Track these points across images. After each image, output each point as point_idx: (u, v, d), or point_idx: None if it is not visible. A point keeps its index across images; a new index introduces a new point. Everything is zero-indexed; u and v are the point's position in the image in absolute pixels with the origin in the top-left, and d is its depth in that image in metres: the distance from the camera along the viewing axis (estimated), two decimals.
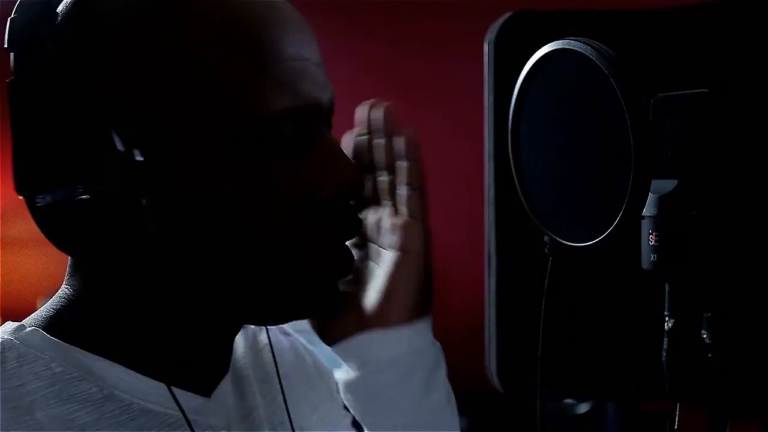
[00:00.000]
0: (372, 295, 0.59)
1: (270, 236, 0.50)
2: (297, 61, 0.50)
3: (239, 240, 0.50)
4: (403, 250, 0.58)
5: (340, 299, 0.57)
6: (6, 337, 0.50)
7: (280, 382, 0.61)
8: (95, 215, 0.48)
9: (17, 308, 0.56)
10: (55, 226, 0.49)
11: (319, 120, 0.53)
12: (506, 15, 0.70)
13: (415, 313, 0.58)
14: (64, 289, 0.54)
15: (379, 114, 0.61)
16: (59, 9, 0.49)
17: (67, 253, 0.52)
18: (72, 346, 0.51)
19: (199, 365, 0.56)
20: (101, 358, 0.51)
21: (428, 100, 2.23)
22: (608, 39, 0.58)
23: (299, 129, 0.50)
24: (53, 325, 0.52)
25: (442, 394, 0.58)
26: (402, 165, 0.60)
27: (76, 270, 0.54)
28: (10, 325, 0.52)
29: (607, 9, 0.68)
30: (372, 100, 0.63)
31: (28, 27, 0.49)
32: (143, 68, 0.48)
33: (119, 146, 0.46)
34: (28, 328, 0.51)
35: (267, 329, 0.70)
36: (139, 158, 0.46)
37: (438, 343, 0.60)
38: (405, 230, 0.59)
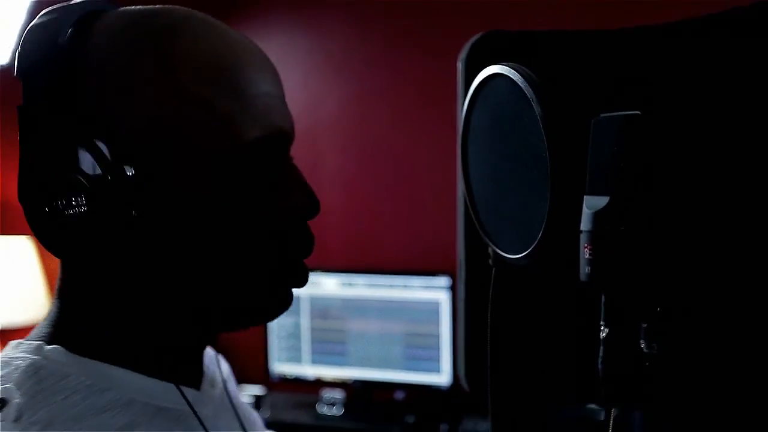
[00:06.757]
0: None
1: (245, 255, 0.57)
2: (267, 97, 0.57)
3: (217, 256, 0.56)
4: None
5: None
6: (32, 357, 0.54)
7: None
8: (89, 224, 0.52)
9: None
10: (52, 233, 0.53)
11: (284, 147, 0.59)
12: (477, 35, 0.73)
13: None
14: (60, 304, 0.58)
15: None
16: (61, 40, 0.53)
17: (62, 257, 0.57)
18: (90, 360, 0.56)
19: (190, 364, 0.64)
20: (114, 366, 0.57)
21: (414, 120, 2.26)
22: (573, 59, 0.61)
23: (269, 156, 0.57)
24: (64, 340, 0.57)
25: None
26: None
27: (71, 284, 0.59)
28: (24, 345, 0.56)
29: (575, 30, 0.71)
30: None
31: (34, 57, 0.53)
32: (139, 102, 0.53)
33: (114, 163, 0.52)
34: (48, 347, 0.55)
35: None
36: (129, 173, 0.52)
37: None
38: None
